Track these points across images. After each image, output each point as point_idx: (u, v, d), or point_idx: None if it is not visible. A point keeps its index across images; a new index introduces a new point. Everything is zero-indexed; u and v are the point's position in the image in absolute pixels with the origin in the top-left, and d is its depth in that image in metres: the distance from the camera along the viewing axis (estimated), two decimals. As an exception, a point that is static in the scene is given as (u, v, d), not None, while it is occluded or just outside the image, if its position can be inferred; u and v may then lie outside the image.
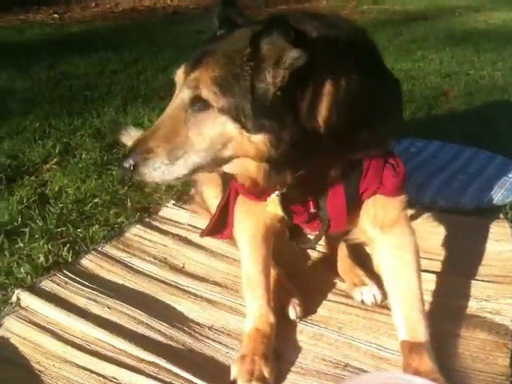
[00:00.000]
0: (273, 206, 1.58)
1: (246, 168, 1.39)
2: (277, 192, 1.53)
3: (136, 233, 2.39)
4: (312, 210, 1.59)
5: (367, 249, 2.19)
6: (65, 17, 8.60)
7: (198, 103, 1.29)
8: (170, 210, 2.61)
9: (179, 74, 1.37)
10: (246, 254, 1.81)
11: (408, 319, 1.62)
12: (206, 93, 1.27)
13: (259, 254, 1.77)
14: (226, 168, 1.41)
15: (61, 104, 4.10)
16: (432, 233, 2.37)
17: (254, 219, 1.76)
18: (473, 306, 1.93)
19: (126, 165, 1.31)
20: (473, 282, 2.05)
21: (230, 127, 1.29)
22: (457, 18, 8.89)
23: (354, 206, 1.60)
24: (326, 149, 1.37)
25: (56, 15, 8.65)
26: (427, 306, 1.91)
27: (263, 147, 1.28)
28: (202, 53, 1.34)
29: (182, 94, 1.33)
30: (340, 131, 1.36)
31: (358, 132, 1.42)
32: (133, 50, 6.00)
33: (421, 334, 1.59)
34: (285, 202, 1.56)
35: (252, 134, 1.27)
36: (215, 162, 1.36)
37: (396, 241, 1.67)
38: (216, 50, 1.33)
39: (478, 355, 1.69)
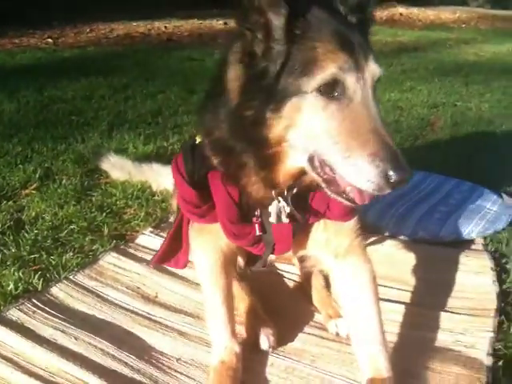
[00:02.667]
0: None
1: None
2: None
3: (110, 260, 2.35)
4: (258, 233, 1.54)
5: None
6: (58, 42, 8.65)
7: None
8: (146, 238, 2.57)
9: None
10: (205, 284, 1.77)
11: (368, 356, 1.58)
12: None
13: (219, 285, 1.73)
14: None
15: (46, 128, 4.08)
16: (410, 264, 2.34)
17: (210, 247, 1.71)
18: (447, 340, 1.90)
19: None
20: (448, 314, 2.02)
21: None
22: (447, 50, 9.02)
23: (300, 228, 1.57)
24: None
25: (50, 40, 8.71)
26: (400, 339, 1.88)
27: None
28: (359, 45, 1.27)
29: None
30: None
31: None
32: (124, 75, 6.01)
33: (383, 369, 1.55)
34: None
35: None
36: None
37: (351, 270, 1.64)
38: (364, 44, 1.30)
39: (452, 390, 1.66)
